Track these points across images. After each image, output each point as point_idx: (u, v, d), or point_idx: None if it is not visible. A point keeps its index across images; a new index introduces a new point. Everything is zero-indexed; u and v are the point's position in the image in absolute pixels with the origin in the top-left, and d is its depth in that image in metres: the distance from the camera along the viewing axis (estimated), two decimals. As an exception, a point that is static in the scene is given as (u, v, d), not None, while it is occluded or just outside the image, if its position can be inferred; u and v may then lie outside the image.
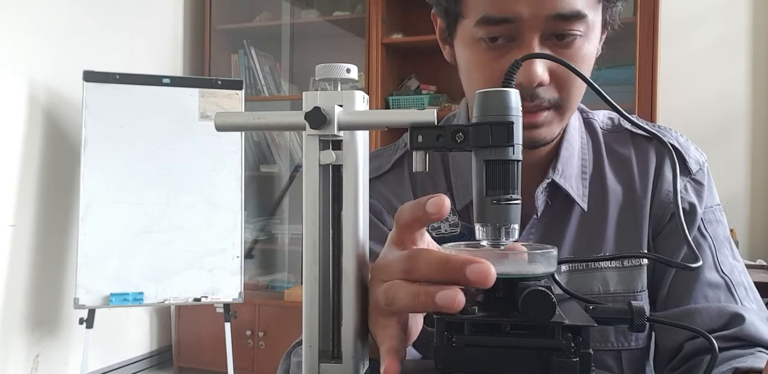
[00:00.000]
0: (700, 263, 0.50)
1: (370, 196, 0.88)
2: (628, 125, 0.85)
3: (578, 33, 0.70)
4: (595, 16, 0.71)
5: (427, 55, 3.11)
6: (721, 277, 0.78)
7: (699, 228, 0.80)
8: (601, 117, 0.87)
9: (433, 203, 0.46)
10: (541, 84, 0.70)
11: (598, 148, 0.84)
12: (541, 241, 0.80)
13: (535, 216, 0.80)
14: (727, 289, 0.77)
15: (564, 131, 0.81)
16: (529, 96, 0.70)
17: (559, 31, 0.69)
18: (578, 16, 0.68)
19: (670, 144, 0.77)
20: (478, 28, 0.71)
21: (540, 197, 0.79)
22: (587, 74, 0.73)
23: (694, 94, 2.85)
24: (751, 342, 0.72)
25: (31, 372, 2.55)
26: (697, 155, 0.83)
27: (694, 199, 0.79)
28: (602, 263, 0.79)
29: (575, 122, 0.84)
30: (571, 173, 0.80)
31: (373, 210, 0.83)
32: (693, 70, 2.85)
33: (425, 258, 0.45)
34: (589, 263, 0.79)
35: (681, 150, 0.82)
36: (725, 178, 2.80)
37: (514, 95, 0.48)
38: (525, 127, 0.71)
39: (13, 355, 2.48)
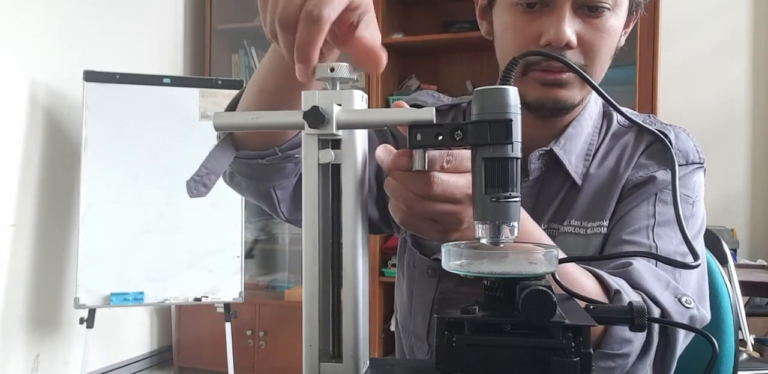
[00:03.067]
0: (699, 262, 0.51)
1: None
2: (639, 120, 0.88)
3: (607, 6, 0.77)
4: None
5: (427, 55, 3.11)
6: (648, 242, 0.79)
7: (649, 201, 0.82)
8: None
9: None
10: (569, 46, 0.76)
11: (605, 137, 0.89)
12: (534, 206, 0.85)
13: (526, 179, 0.85)
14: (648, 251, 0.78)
15: (579, 113, 0.87)
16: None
17: (590, 2, 0.76)
18: None
19: (666, 137, 0.82)
20: None
21: (534, 162, 0.85)
22: (612, 47, 0.81)
23: (695, 94, 2.85)
24: (632, 286, 0.71)
25: (32, 371, 2.55)
26: (691, 153, 0.86)
27: (658, 176, 0.82)
28: (568, 228, 0.84)
29: (594, 110, 0.89)
30: (573, 149, 0.86)
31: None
32: (693, 70, 2.85)
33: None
34: (559, 228, 0.84)
35: (673, 143, 0.85)
36: (725, 178, 2.80)
37: (513, 93, 0.48)
38: (549, 85, 0.79)
39: (13, 355, 2.48)
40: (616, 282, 0.69)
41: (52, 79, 2.59)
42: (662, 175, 0.82)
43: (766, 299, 2.48)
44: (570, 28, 0.76)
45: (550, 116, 0.84)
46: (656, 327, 0.70)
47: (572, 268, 0.66)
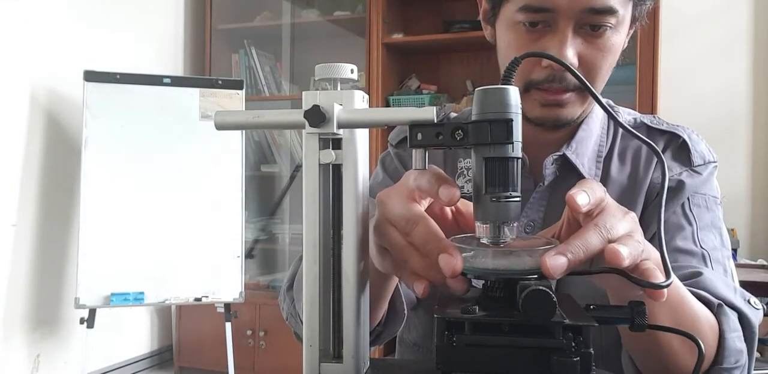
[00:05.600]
0: (671, 280, 0.51)
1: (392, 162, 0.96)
2: (646, 121, 0.90)
3: (609, 25, 0.77)
4: (625, 12, 0.78)
5: (427, 55, 3.11)
6: (699, 249, 0.80)
7: (683, 206, 0.83)
8: (625, 115, 0.92)
9: (446, 193, 0.49)
10: None
11: (615, 138, 0.89)
12: (546, 211, 0.85)
13: (540, 184, 0.85)
14: (701, 258, 0.80)
15: (586, 116, 0.87)
16: (557, 79, 0.77)
17: (592, 22, 0.76)
18: (609, 11, 0.75)
19: (680, 137, 0.86)
20: (519, 13, 0.77)
21: (548, 168, 0.85)
22: (613, 62, 0.81)
23: (695, 93, 2.84)
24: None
25: (32, 371, 2.55)
26: (705, 152, 0.87)
27: (686, 180, 0.83)
28: None
29: (599, 112, 0.89)
30: (585, 152, 0.86)
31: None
32: (694, 69, 2.85)
33: (418, 231, 0.51)
34: None
35: (689, 144, 0.86)
36: (725, 178, 2.79)
37: (513, 93, 0.48)
38: (550, 105, 0.79)
39: (13, 355, 2.48)
40: (708, 296, 0.71)
41: (52, 79, 2.59)
42: (688, 178, 0.83)
43: (766, 299, 2.48)
44: (572, 50, 0.76)
45: (551, 129, 0.84)
46: (741, 334, 0.71)
47: (684, 291, 0.66)
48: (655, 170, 0.85)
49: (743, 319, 0.72)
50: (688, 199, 0.83)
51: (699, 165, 0.85)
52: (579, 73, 0.77)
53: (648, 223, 0.83)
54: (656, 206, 0.82)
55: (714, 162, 0.87)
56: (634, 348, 0.70)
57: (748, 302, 0.74)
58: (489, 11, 0.85)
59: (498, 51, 0.86)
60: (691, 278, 0.74)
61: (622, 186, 0.86)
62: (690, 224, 0.82)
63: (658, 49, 2.48)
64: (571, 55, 0.75)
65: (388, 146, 1.01)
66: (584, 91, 0.80)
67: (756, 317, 0.73)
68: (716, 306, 0.69)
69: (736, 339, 0.69)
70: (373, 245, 0.55)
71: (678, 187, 0.83)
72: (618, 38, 0.79)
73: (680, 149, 0.86)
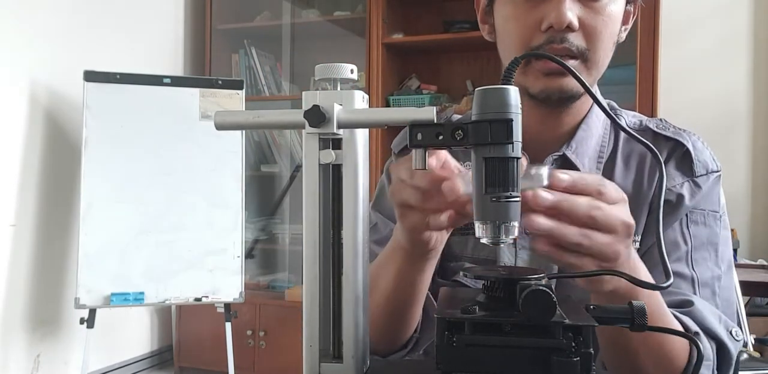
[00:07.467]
0: (670, 281, 0.51)
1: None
2: (652, 126, 0.89)
3: None
4: None
5: (427, 55, 3.11)
6: (689, 271, 0.80)
7: (681, 223, 0.83)
8: (630, 117, 0.91)
9: (447, 187, 0.53)
10: (570, 28, 0.76)
11: (618, 141, 0.88)
12: None
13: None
14: (690, 282, 0.80)
15: (586, 115, 0.86)
16: (558, 39, 0.77)
17: None
18: None
19: (684, 146, 0.85)
20: None
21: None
22: (613, 35, 0.81)
23: (695, 94, 2.84)
24: (695, 323, 0.74)
25: (32, 371, 2.55)
26: (709, 161, 0.86)
27: (685, 194, 0.83)
28: None
29: (601, 112, 0.88)
30: (585, 152, 0.85)
31: None
32: (694, 69, 2.85)
33: (419, 175, 0.57)
34: None
35: (692, 153, 0.85)
36: (725, 178, 2.78)
37: (514, 93, 0.48)
38: (553, 74, 0.78)
39: (13, 355, 2.48)
40: (689, 323, 0.72)
41: (52, 79, 2.59)
42: (688, 192, 0.83)
43: (767, 299, 2.48)
44: (571, 11, 0.76)
45: (557, 107, 0.83)
46: (711, 364, 0.73)
47: (667, 312, 0.68)
48: (661, 178, 0.85)
49: (722, 350, 0.73)
50: (687, 215, 0.83)
51: (701, 175, 0.84)
52: (580, 41, 0.78)
53: (651, 231, 0.82)
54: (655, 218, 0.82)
55: (717, 171, 0.86)
56: (606, 355, 0.71)
57: (730, 333, 0.76)
58: (486, 3, 0.86)
59: (498, 38, 0.85)
60: (683, 307, 0.75)
61: (627, 192, 0.85)
62: (685, 243, 0.82)
63: (658, 49, 2.48)
64: (570, 15, 0.75)
65: (391, 154, 1.00)
66: (587, 61, 0.79)
67: (735, 348, 0.75)
68: (693, 333, 0.71)
69: (703, 367, 0.70)
70: (397, 215, 0.60)
71: (678, 202, 0.82)
72: (616, 7, 0.79)
73: (683, 158, 0.85)
